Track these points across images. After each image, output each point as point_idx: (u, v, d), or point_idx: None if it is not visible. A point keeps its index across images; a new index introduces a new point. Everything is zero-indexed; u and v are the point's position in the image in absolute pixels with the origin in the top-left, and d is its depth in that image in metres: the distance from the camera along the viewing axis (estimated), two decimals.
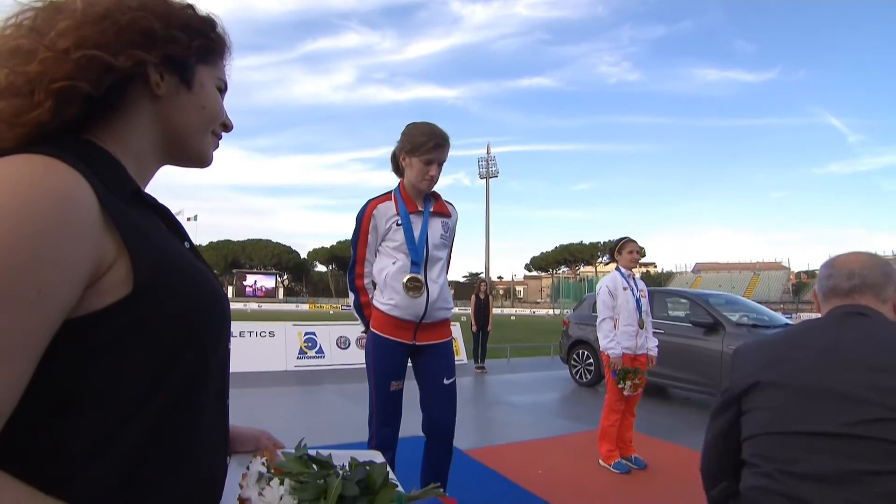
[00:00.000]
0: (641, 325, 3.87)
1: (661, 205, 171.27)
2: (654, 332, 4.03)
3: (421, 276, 2.21)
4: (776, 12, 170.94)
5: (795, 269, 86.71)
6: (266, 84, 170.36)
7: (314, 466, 0.67)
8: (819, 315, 1.32)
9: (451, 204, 2.42)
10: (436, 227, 2.29)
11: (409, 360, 2.33)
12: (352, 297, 2.36)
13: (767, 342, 1.31)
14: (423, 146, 2.15)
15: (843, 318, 1.21)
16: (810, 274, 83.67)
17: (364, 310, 2.32)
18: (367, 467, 0.68)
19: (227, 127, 0.78)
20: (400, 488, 0.67)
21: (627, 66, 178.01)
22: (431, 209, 2.29)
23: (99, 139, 0.62)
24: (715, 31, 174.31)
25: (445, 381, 2.27)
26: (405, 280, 2.19)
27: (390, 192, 2.30)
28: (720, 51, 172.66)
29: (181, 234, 0.71)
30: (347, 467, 0.68)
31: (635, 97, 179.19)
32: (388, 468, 0.69)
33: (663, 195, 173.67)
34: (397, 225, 2.22)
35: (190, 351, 0.60)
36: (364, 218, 2.24)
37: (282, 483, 0.60)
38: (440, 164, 2.21)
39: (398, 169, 2.31)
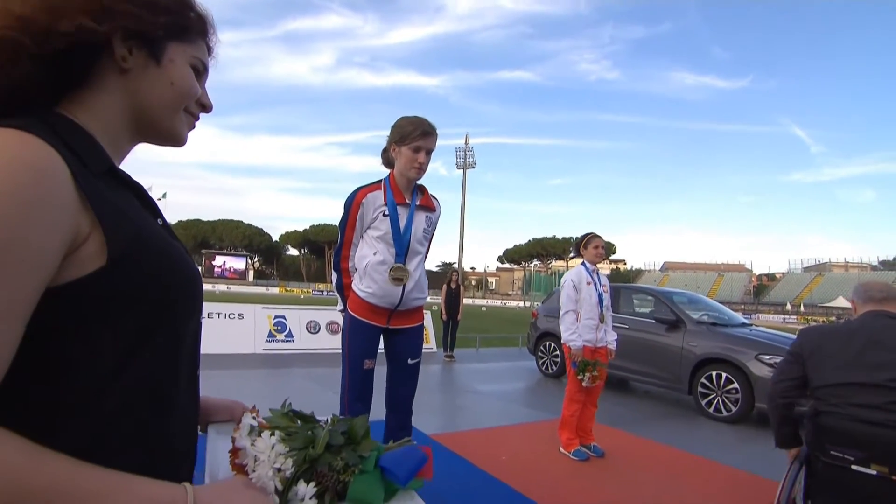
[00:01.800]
0: (602, 320, 4.00)
1: (634, 202, 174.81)
2: (618, 327, 4.16)
3: (405, 267, 2.32)
4: (752, 23, 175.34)
5: (757, 271, 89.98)
6: (243, 61, 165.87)
7: (299, 421, 0.72)
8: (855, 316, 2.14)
9: (436, 199, 2.50)
10: (420, 220, 2.38)
11: (382, 341, 2.43)
12: (335, 276, 2.49)
13: (826, 327, 2.20)
14: (410, 135, 2.25)
15: (877, 317, 2.04)
16: (770, 277, 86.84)
17: (345, 290, 2.43)
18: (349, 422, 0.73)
19: (206, 107, 0.78)
20: None
21: (607, 65, 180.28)
22: (418, 202, 2.38)
23: (71, 113, 0.63)
24: (693, 36, 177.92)
25: (410, 361, 2.43)
26: (390, 269, 2.29)
27: (380, 182, 2.37)
28: (697, 56, 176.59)
29: (154, 211, 0.73)
30: (329, 422, 0.74)
31: (613, 95, 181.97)
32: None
33: (636, 193, 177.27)
34: (384, 215, 2.31)
35: (164, 323, 0.63)
36: (353, 205, 2.32)
37: (272, 434, 0.65)
38: (428, 153, 2.29)
39: (389, 163, 2.40)
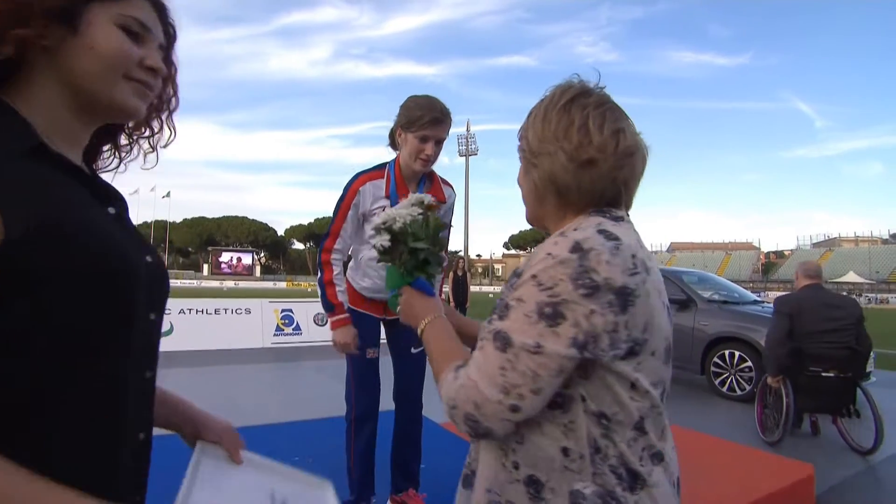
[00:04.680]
0: None
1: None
2: None
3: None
4: None
5: (765, 249, 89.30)
6: (240, 57, 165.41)
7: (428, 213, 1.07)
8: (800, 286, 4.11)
9: (448, 184, 2.27)
10: None
11: (383, 333, 2.34)
12: (318, 272, 2.22)
13: (795, 295, 4.07)
14: (418, 120, 1.97)
15: (816, 288, 4.04)
16: (779, 254, 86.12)
17: (326, 288, 2.10)
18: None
19: (154, 70, 0.68)
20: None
21: (605, 47, 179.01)
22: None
23: (9, 97, 0.61)
24: (691, 15, 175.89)
25: (413, 350, 2.29)
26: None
27: (383, 168, 2.14)
28: (696, 34, 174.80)
29: (108, 198, 0.68)
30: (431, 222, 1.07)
31: (613, 77, 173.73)
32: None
33: None
34: (383, 210, 2.15)
35: (85, 316, 0.58)
36: (349, 191, 2.09)
37: (413, 205, 1.05)
38: (438, 143, 2.03)
39: (395, 144, 2.15)
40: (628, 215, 0.87)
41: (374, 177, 2.11)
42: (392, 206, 2.08)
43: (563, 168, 0.81)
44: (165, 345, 7.84)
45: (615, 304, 0.72)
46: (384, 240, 1.01)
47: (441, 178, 2.25)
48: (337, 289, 2.09)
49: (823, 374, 3.80)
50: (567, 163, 0.81)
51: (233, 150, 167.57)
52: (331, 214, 2.17)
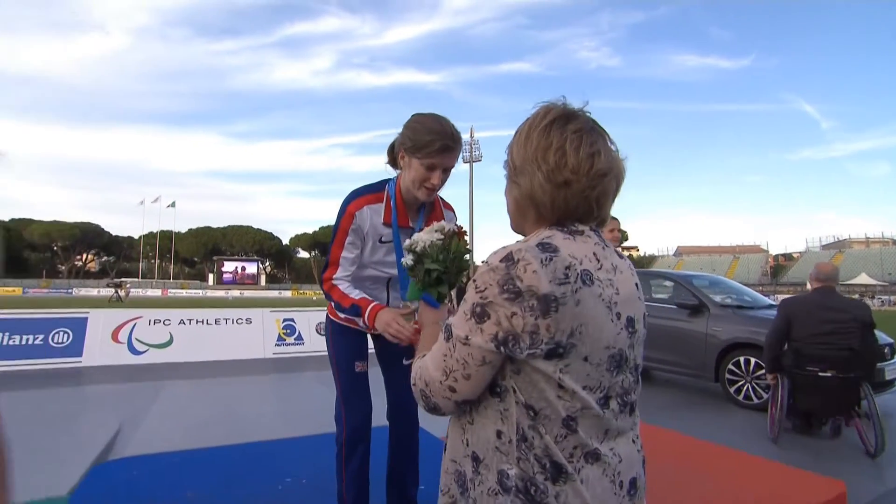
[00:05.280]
0: None
1: (641, 188, 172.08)
2: None
3: (412, 305, 1.73)
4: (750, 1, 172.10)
5: (774, 251, 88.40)
6: (243, 68, 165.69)
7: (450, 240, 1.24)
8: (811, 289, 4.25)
9: (449, 207, 2.07)
10: None
11: (372, 345, 2.16)
12: (326, 298, 1.95)
13: (798, 298, 4.31)
14: (426, 147, 1.72)
15: (824, 292, 4.16)
16: (788, 257, 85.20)
17: (343, 304, 1.86)
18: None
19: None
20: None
21: (607, 52, 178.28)
22: (424, 224, 1.94)
23: None
24: (692, 18, 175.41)
25: (406, 361, 2.10)
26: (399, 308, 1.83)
27: (382, 190, 1.89)
28: (697, 38, 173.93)
29: None
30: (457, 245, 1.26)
31: (616, 82, 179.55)
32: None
33: (644, 178, 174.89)
34: (381, 242, 1.90)
35: None
36: (345, 216, 1.85)
37: (436, 231, 1.24)
38: (446, 171, 1.80)
39: (395, 163, 1.91)
40: (595, 229, 0.95)
41: (371, 200, 1.87)
42: (394, 238, 1.93)
43: (540, 187, 0.90)
44: (165, 356, 7.76)
45: (536, 308, 0.80)
46: (409, 259, 1.23)
47: (443, 201, 2.04)
48: (352, 294, 1.87)
49: (821, 374, 3.95)
50: (544, 182, 0.90)
51: (236, 161, 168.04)
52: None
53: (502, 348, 0.83)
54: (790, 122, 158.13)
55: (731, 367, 5.46)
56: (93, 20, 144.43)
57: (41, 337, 7.02)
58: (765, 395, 5.10)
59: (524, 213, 0.96)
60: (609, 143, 0.94)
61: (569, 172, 0.88)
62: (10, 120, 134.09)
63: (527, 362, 0.83)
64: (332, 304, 1.93)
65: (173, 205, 79.01)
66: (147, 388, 5.84)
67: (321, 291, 1.94)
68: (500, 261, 0.84)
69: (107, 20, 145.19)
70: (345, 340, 2.05)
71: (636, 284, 0.96)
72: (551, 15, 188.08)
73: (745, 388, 5.32)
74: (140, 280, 70.82)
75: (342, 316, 2.04)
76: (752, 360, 5.26)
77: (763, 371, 5.15)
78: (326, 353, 2.13)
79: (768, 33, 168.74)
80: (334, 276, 1.89)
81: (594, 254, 0.89)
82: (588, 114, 0.95)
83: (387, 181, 1.93)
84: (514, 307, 0.81)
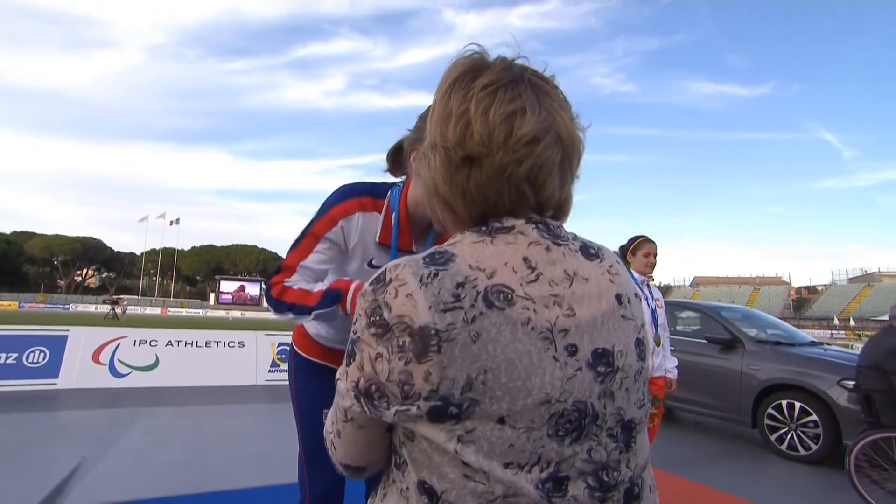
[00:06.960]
0: (658, 342, 3.28)
1: (656, 216, 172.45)
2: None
3: None
4: (768, 28, 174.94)
5: (796, 283, 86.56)
6: (255, 88, 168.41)
7: None
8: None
9: None
10: None
11: None
12: (275, 309, 1.35)
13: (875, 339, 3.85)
14: None
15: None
16: (811, 289, 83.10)
17: (305, 302, 1.30)
18: None
19: None
20: None
21: (621, 78, 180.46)
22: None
23: None
24: (708, 46, 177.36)
25: None
26: None
27: (384, 197, 1.44)
28: (714, 65, 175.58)
29: None
30: None
31: (630, 108, 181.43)
32: None
33: (659, 207, 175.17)
34: (370, 265, 1.45)
35: None
36: (323, 220, 1.38)
37: None
38: None
39: (398, 166, 1.47)
40: (543, 221, 0.65)
41: (368, 206, 1.42)
42: (391, 258, 1.40)
43: (441, 174, 0.65)
44: (149, 380, 7.21)
45: (408, 348, 0.55)
46: None
47: None
48: (315, 287, 1.32)
49: None
50: (442, 167, 0.64)
51: (245, 179, 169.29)
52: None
53: (363, 401, 0.60)
54: (812, 152, 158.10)
55: (771, 411, 4.89)
56: (108, 38, 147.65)
57: (14, 356, 6.49)
58: (813, 447, 4.53)
59: (440, 217, 0.70)
60: (548, 100, 0.64)
61: (475, 144, 0.62)
62: (20, 134, 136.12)
63: (409, 427, 0.60)
64: (293, 313, 1.32)
65: (177, 221, 79.12)
66: (123, 416, 5.31)
67: (267, 305, 1.36)
68: (371, 283, 0.62)
69: (123, 38, 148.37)
70: (312, 382, 1.56)
71: (618, 297, 0.64)
72: (565, 41, 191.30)
73: (788, 436, 4.74)
74: (139, 297, 70.37)
75: (319, 346, 1.56)
76: (797, 405, 4.70)
77: (809, 418, 4.59)
78: None
79: (788, 61, 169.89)
80: (286, 280, 1.35)
81: (524, 259, 0.61)
82: (519, 63, 0.65)
83: (391, 186, 1.46)
84: (381, 346, 0.58)
